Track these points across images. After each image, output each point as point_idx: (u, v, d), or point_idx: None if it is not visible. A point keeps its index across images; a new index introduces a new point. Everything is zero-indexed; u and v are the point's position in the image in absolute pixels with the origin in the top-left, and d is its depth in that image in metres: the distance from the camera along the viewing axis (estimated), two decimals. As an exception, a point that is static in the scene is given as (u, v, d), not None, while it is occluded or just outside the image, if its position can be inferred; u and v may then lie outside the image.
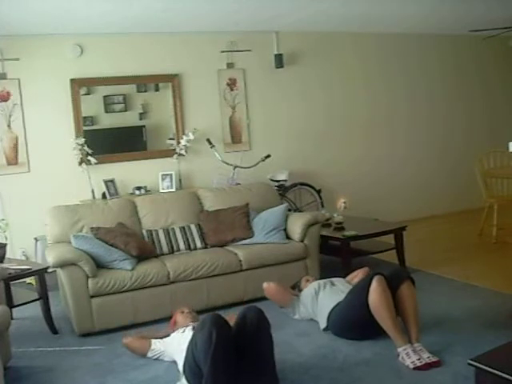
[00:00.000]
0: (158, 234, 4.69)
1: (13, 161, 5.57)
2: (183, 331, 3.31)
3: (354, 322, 3.54)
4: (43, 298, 4.10)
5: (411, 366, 3.14)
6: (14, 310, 3.97)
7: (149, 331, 3.76)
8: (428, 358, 3.17)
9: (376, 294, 3.32)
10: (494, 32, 6.32)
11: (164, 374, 3.32)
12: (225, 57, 6.41)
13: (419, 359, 3.15)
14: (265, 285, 4.09)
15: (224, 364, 2.73)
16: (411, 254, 5.28)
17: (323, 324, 3.75)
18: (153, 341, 3.50)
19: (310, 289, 3.97)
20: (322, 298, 3.83)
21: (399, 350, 3.26)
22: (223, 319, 2.92)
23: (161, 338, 3.53)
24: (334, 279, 4.06)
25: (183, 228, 4.79)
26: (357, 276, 4.07)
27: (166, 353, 3.42)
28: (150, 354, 3.48)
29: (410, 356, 3.18)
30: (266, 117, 6.66)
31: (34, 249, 5.48)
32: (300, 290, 4.16)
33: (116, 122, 6.14)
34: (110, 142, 6.10)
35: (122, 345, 3.60)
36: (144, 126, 6.25)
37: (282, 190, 6.30)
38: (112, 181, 5.76)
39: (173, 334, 3.41)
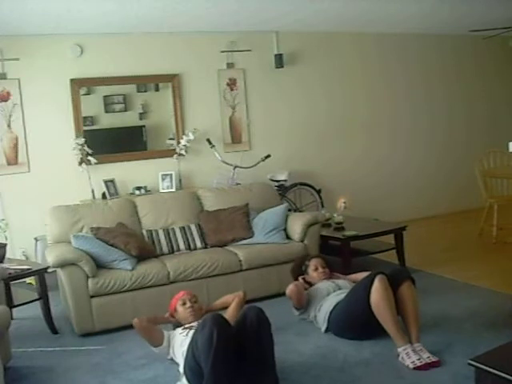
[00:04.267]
0: (158, 234, 4.70)
1: (13, 161, 5.57)
2: (186, 334, 3.27)
3: (354, 320, 3.53)
4: (43, 298, 4.10)
5: (411, 366, 3.14)
6: (14, 309, 3.97)
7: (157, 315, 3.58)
8: (428, 357, 3.17)
9: (378, 294, 3.32)
10: (493, 32, 6.32)
11: (164, 373, 3.32)
12: (225, 57, 6.41)
13: (419, 359, 3.15)
14: (291, 286, 3.89)
15: (225, 364, 2.74)
16: (411, 254, 5.28)
17: (323, 326, 3.74)
18: (165, 336, 3.38)
19: (318, 294, 3.90)
20: (325, 301, 3.81)
21: (399, 349, 3.26)
22: (224, 319, 2.92)
23: (166, 321, 3.48)
24: (340, 283, 3.99)
25: (183, 228, 4.79)
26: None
27: (169, 350, 3.39)
28: (157, 350, 3.39)
29: (409, 356, 3.18)
30: (266, 117, 6.66)
31: (34, 249, 5.48)
32: (306, 273, 4.14)
33: (116, 122, 6.14)
34: (109, 142, 6.10)
35: (134, 324, 3.37)
36: (144, 126, 6.25)
37: (282, 190, 6.30)
38: (112, 181, 5.76)
39: (175, 333, 3.39)
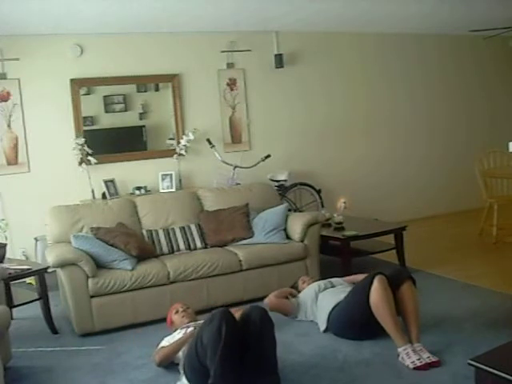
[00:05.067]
0: (158, 234, 4.69)
1: (13, 161, 5.57)
2: (184, 332, 3.30)
3: (354, 321, 3.53)
4: (43, 298, 4.10)
5: (411, 366, 3.14)
6: (14, 309, 3.97)
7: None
8: (428, 357, 3.17)
9: (377, 294, 3.32)
10: (493, 32, 6.32)
11: (164, 373, 3.32)
12: (225, 57, 6.41)
13: (419, 359, 3.15)
14: (266, 301, 3.96)
15: (232, 358, 2.74)
16: (411, 254, 5.28)
17: (323, 325, 3.75)
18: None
19: (310, 290, 3.95)
20: (321, 299, 3.82)
21: (399, 349, 3.26)
22: (231, 314, 2.91)
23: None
24: (333, 280, 4.06)
25: (183, 228, 4.79)
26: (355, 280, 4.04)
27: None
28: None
29: (409, 356, 3.18)
30: (266, 117, 6.66)
31: (34, 249, 5.47)
32: (298, 291, 4.15)
33: (116, 122, 6.14)
34: (110, 142, 6.10)
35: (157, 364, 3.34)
36: (144, 126, 6.25)
37: (282, 190, 6.30)
38: (112, 181, 5.76)
39: (175, 334, 3.40)
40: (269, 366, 2.90)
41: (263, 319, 2.96)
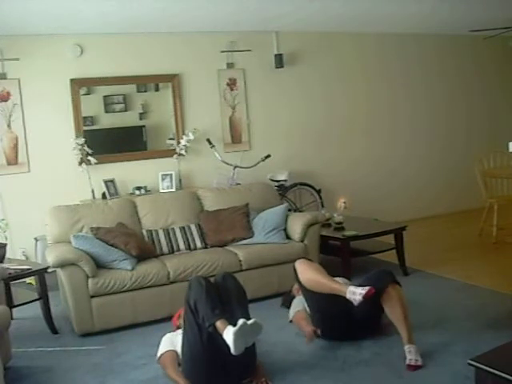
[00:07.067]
0: (158, 234, 4.69)
1: (13, 161, 5.57)
2: None
3: (324, 315, 3.57)
4: (43, 298, 4.10)
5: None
6: (14, 309, 3.97)
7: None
8: (410, 360, 3.15)
9: (303, 272, 3.52)
10: (493, 32, 6.32)
11: (164, 374, 3.31)
12: (225, 57, 6.41)
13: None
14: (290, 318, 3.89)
15: (216, 297, 3.09)
16: (411, 254, 5.27)
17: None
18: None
19: None
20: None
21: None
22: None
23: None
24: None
25: (183, 228, 4.79)
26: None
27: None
28: None
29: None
30: (266, 117, 6.66)
31: (34, 249, 5.47)
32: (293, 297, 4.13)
33: (116, 122, 6.14)
34: (109, 142, 6.10)
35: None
36: (144, 126, 6.25)
37: (282, 190, 6.30)
38: (112, 181, 5.76)
39: (178, 332, 3.38)
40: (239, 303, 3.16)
41: (224, 274, 3.33)
